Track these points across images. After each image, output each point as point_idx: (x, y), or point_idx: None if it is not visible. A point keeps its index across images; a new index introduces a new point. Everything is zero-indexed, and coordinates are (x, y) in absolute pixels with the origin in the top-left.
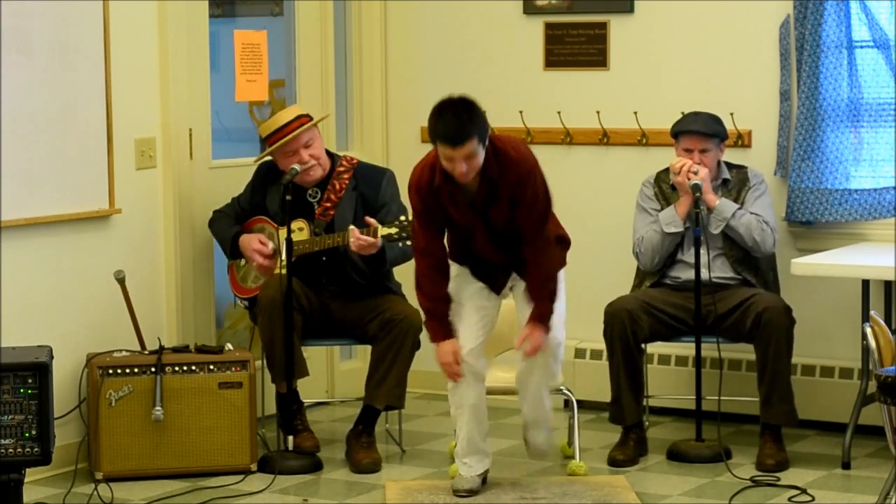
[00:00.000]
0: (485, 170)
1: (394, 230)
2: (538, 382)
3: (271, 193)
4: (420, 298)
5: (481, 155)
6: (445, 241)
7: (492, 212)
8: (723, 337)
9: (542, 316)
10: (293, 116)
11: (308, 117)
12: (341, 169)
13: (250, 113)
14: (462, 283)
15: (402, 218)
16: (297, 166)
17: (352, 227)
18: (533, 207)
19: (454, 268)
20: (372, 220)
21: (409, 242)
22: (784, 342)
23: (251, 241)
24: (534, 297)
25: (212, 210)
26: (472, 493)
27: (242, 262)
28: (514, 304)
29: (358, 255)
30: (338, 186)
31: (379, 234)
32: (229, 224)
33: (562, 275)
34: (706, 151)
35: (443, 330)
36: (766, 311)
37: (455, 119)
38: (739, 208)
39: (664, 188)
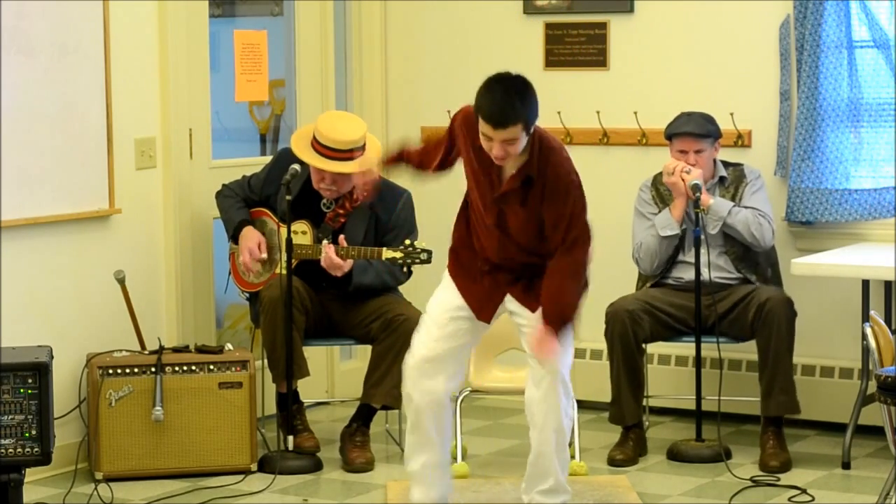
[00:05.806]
0: (526, 165)
1: (398, 254)
2: (545, 413)
3: (284, 190)
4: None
5: (523, 142)
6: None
7: (509, 212)
8: (726, 336)
9: (552, 323)
10: (360, 144)
11: (361, 150)
12: None
13: (250, 113)
14: (444, 298)
15: (408, 242)
16: (297, 167)
17: (326, 242)
18: (562, 219)
19: (444, 280)
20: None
21: (413, 268)
22: (785, 332)
23: (250, 240)
24: (545, 313)
25: (212, 212)
26: None
27: None
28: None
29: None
30: (354, 196)
31: (383, 257)
32: (238, 206)
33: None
34: (701, 152)
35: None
36: (768, 302)
37: (504, 97)
38: (735, 205)
39: (661, 191)
